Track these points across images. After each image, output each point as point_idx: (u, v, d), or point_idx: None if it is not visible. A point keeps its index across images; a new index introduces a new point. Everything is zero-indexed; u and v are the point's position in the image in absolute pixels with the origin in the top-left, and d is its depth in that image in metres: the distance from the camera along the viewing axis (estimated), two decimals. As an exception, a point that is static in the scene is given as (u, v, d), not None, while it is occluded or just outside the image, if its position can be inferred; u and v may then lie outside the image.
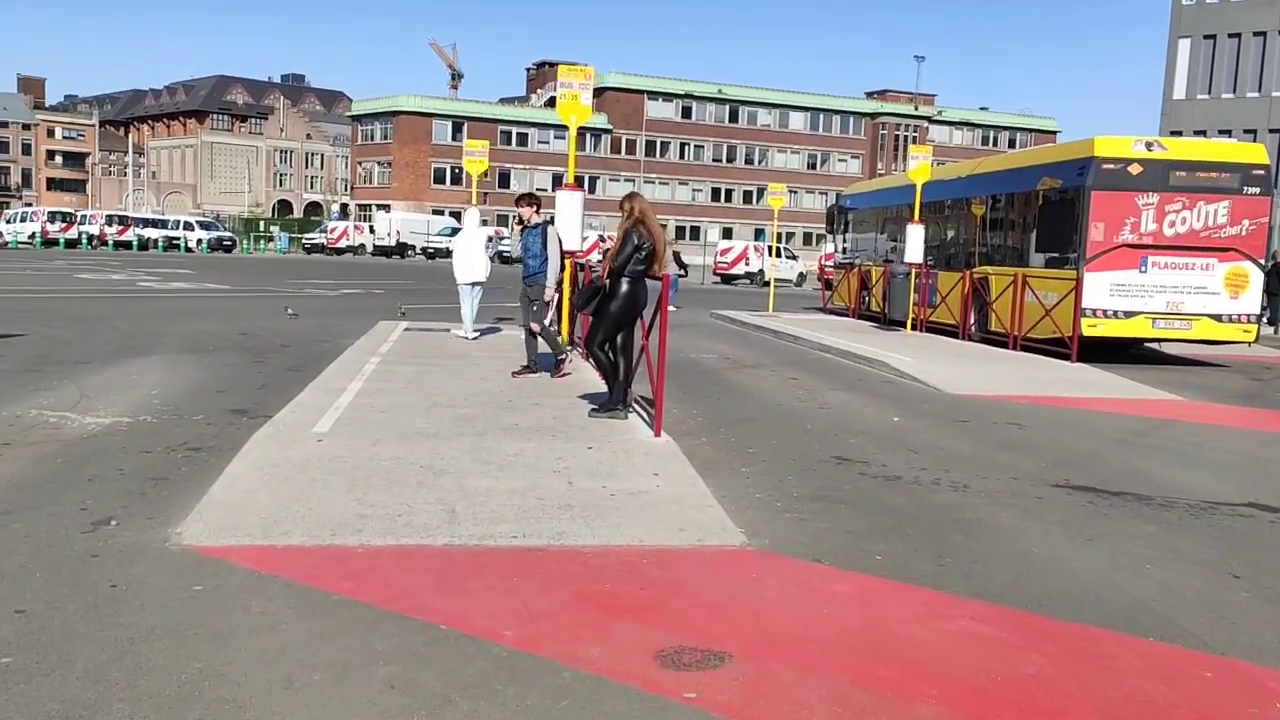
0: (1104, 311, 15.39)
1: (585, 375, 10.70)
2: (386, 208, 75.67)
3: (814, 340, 16.80)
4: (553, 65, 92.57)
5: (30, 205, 75.92)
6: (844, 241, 26.46)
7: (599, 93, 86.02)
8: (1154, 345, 17.56)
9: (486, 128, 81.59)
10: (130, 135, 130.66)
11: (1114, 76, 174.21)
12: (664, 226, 8.34)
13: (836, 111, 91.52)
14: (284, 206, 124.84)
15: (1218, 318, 15.69)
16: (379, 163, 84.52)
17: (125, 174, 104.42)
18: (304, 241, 62.18)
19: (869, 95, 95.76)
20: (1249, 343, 16.07)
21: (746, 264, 45.22)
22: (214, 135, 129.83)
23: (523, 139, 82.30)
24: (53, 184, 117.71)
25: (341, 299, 23.82)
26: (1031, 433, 9.34)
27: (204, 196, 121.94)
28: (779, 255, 45.97)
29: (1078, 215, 15.65)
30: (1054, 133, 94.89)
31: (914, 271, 18.76)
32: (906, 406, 10.70)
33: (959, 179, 20.11)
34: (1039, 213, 17.01)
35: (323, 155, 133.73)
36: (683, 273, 28.79)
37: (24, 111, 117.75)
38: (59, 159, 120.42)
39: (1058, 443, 8.86)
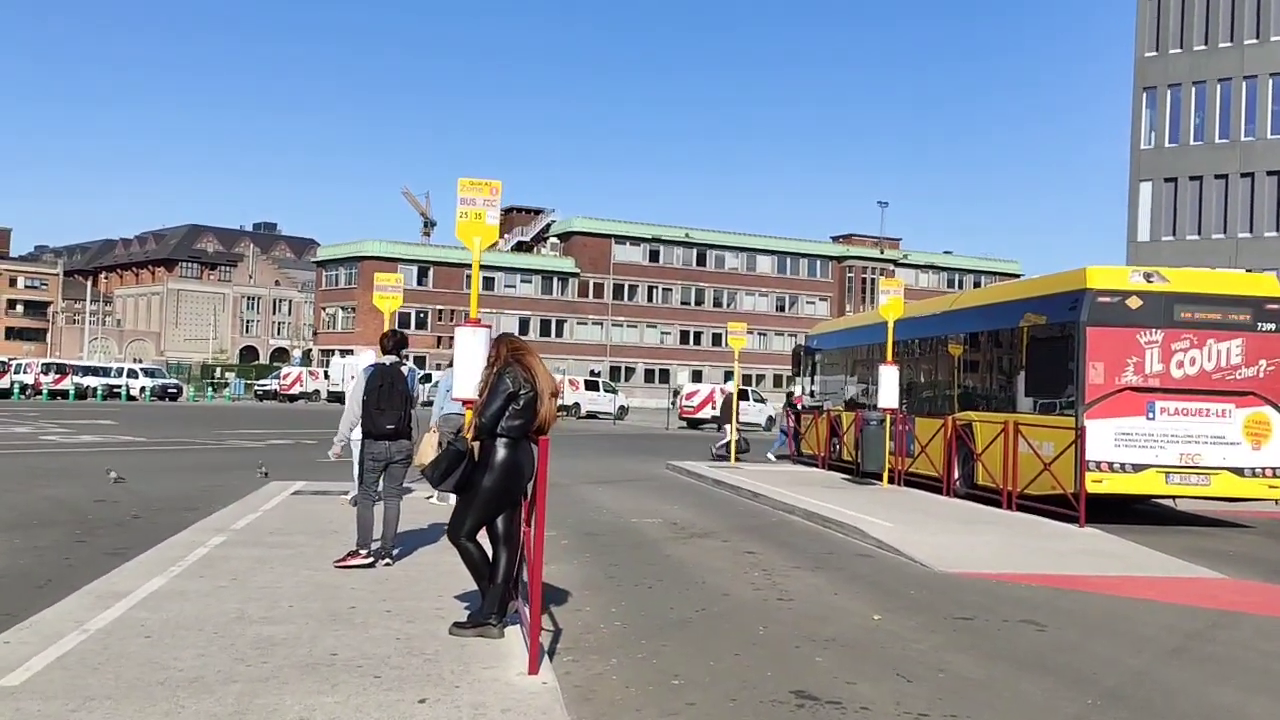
0: (1109, 465, 13.33)
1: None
2: (350, 353, 73.89)
3: (777, 498, 14.58)
4: (520, 210, 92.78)
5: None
6: (811, 384, 24.55)
7: (565, 237, 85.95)
8: (1161, 500, 15.43)
9: (453, 273, 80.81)
10: (99, 284, 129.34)
11: (1077, 220, 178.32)
12: (560, 374, 6.27)
13: (803, 255, 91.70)
14: (250, 353, 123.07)
15: (1239, 471, 13.65)
16: (343, 308, 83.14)
17: (89, 322, 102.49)
18: (256, 389, 59.84)
19: (835, 239, 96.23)
20: (1277, 500, 13.99)
21: (713, 407, 43.20)
22: (181, 283, 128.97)
23: (489, 283, 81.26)
24: (11, 333, 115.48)
25: (256, 453, 21.45)
26: (1057, 637, 7.08)
27: (167, 344, 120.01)
28: (745, 398, 44.15)
29: (1072, 354, 13.76)
30: (1017, 275, 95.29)
31: (889, 418, 16.74)
32: (889, 594, 8.44)
33: (934, 315, 18.32)
34: (1027, 351, 15.13)
35: (291, 301, 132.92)
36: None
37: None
38: (20, 308, 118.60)
39: (1096, 656, 6.61)
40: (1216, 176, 48.24)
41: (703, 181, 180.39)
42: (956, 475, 15.87)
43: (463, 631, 5.79)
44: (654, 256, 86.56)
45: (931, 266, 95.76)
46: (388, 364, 8.82)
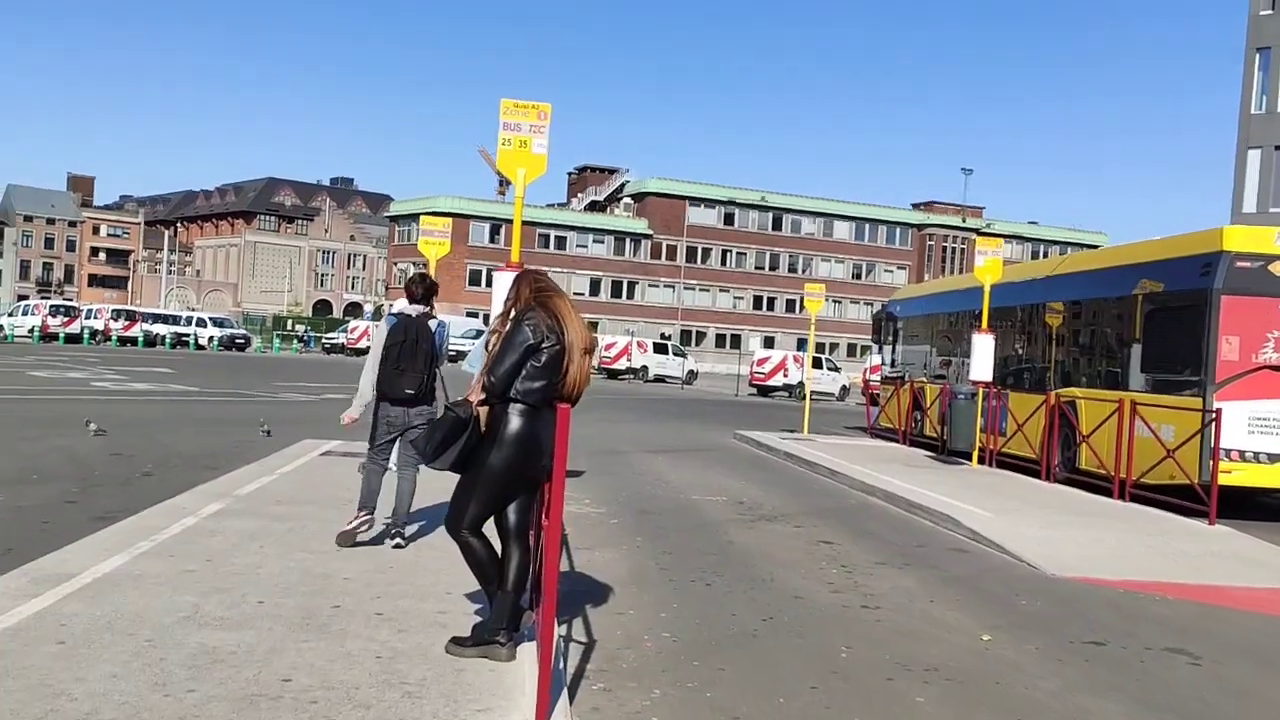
0: (1240, 454, 11.62)
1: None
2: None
3: (856, 477, 13.12)
4: (594, 170, 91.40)
5: (70, 300, 74.59)
6: (893, 353, 22.87)
7: (640, 198, 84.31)
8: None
9: (525, 231, 78.80)
10: (179, 234, 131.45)
11: (1176, 191, 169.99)
12: (593, 326, 4.94)
13: (882, 221, 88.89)
14: (324, 306, 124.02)
15: (1393, 465, 11.83)
16: (414, 263, 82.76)
17: (168, 272, 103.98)
18: (324, 341, 59.63)
19: (915, 206, 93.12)
20: None
21: (785, 375, 41.68)
22: (258, 235, 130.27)
23: (560, 242, 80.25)
24: (94, 280, 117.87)
25: (307, 406, 20.58)
26: (1220, 675, 5.61)
27: (244, 295, 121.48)
28: (819, 366, 42.43)
29: (1202, 326, 12.02)
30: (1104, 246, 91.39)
31: (981, 392, 15.12)
32: (997, 605, 7.01)
33: (1036, 280, 16.56)
34: (1145, 322, 13.38)
35: (365, 256, 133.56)
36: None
37: (71, 209, 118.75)
38: (102, 256, 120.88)
39: (1274, 703, 5.13)
40: (1331, 146, 44.93)
41: (780, 144, 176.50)
42: (1057, 458, 14.23)
43: (462, 650, 4.51)
44: (729, 220, 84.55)
45: (1016, 236, 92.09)
46: (414, 315, 7.48)
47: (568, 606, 5.66)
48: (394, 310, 7.80)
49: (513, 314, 4.58)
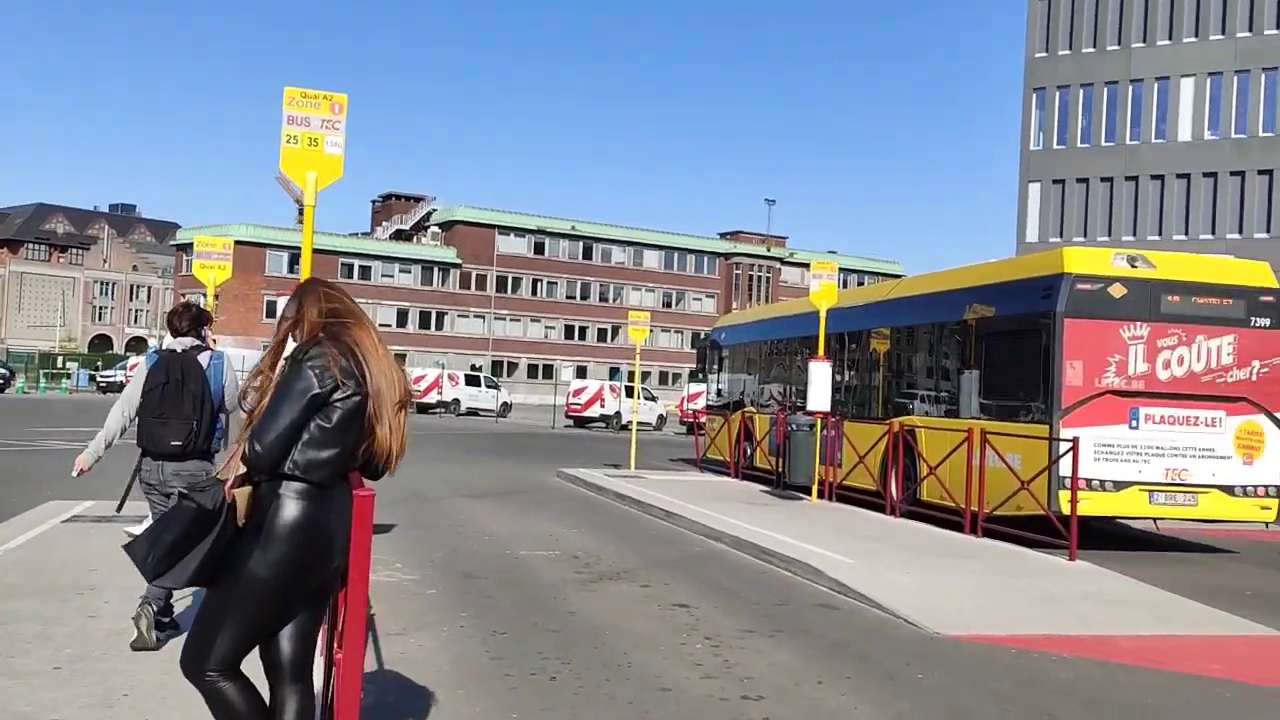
0: (1087, 482, 11.22)
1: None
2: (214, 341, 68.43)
3: (697, 519, 12.06)
4: (399, 198, 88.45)
5: None
6: (718, 382, 22.18)
7: (448, 226, 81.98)
8: (1125, 521, 13.49)
9: (326, 260, 75.76)
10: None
11: (965, 222, 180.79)
12: (401, 359, 3.64)
13: (691, 250, 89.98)
14: (103, 341, 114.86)
15: (1230, 490, 11.75)
16: (205, 295, 77.49)
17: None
18: (100, 379, 54.49)
19: (722, 235, 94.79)
20: (1267, 522, 12.15)
21: (602, 405, 40.72)
22: (25, 265, 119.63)
23: (365, 272, 76.95)
24: None
25: (67, 455, 17.87)
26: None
27: (8, 330, 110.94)
28: (633, 395, 41.68)
29: (1045, 350, 11.64)
30: (899, 275, 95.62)
31: (819, 422, 14.41)
32: (894, 680, 5.98)
33: (869, 305, 16.10)
34: (986, 347, 12.99)
35: (150, 288, 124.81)
36: None
37: None
38: None
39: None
40: (1102, 179, 48.17)
41: (589, 174, 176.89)
42: (901, 491, 13.63)
43: None
44: (539, 249, 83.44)
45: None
46: (178, 351, 6.01)
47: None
48: (154, 348, 6.39)
49: (291, 348, 3.16)
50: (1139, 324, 11.58)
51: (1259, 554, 12.46)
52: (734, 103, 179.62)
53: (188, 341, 6.09)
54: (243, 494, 2.98)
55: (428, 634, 6.56)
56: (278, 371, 3.08)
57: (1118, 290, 11.57)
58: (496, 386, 49.19)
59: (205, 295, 11.43)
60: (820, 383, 14.28)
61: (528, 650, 6.27)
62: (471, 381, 48.52)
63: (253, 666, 3.25)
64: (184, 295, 79.67)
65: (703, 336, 24.04)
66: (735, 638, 6.86)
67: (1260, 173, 43.65)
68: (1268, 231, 42.64)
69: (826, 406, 14.39)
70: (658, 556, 10.08)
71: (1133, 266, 11.72)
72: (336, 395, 3.05)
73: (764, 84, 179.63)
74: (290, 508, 2.98)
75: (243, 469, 2.99)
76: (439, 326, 79.54)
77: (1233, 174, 44.27)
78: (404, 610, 7.16)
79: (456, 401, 45.82)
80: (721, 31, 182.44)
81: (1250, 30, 43.89)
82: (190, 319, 6.20)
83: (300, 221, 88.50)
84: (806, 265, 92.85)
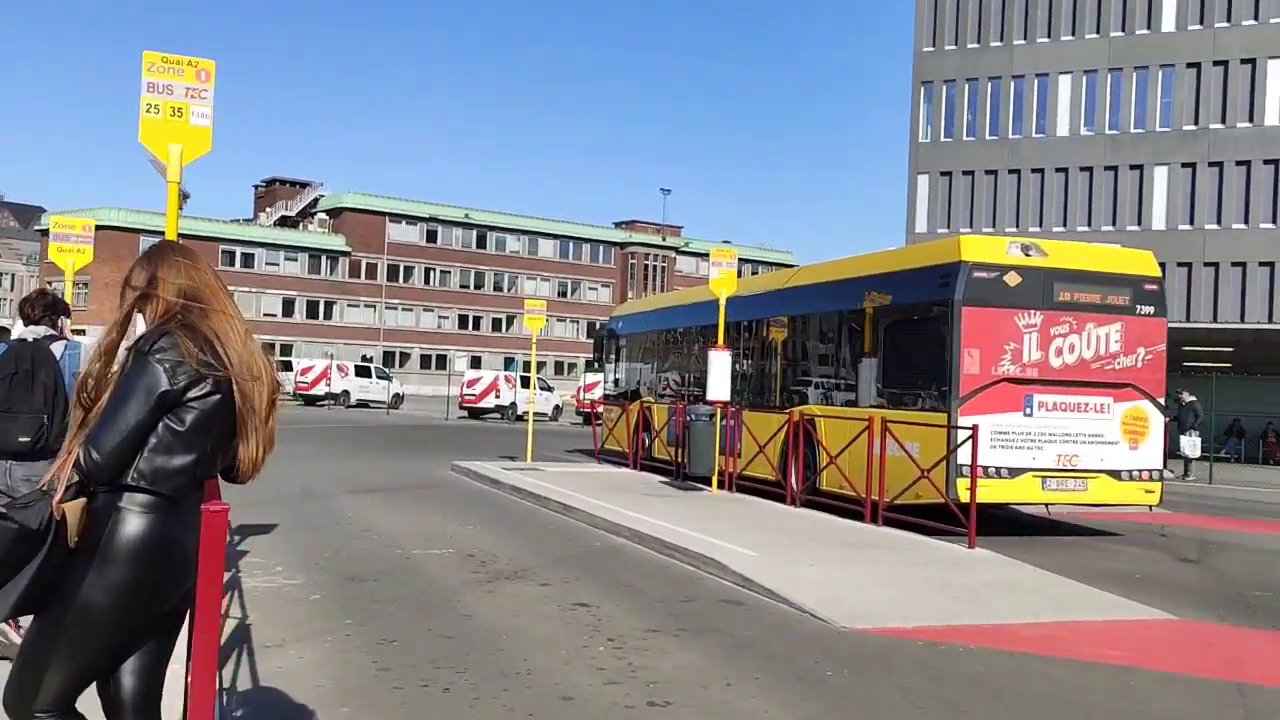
0: (984, 469, 11.28)
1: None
2: (81, 332, 65.24)
3: (597, 513, 11.76)
4: (284, 183, 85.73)
5: None
6: (615, 372, 21.90)
7: (335, 213, 79.76)
8: (1017, 507, 13.69)
9: (207, 247, 72.72)
10: None
11: (858, 213, 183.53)
12: (270, 348, 3.17)
13: (586, 240, 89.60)
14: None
15: (1116, 474, 12.00)
16: (74, 283, 73.70)
17: None
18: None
19: (618, 225, 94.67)
20: (1150, 505, 12.44)
21: (497, 396, 40.11)
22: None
23: (248, 260, 74.23)
24: None
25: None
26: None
27: None
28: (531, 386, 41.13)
29: (943, 339, 11.68)
30: (791, 264, 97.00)
31: (719, 412, 14.25)
32: (804, 679, 5.78)
33: (768, 293, 16.01)
34: (885, 336, 13.00)
35: (14, 275, 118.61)
36: None
37: None
38: None
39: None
40: (987, 172, 49.45)
41: (484, 161, 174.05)
42: (802, 481, 13.56)
43: None
44: (431, 237, 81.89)
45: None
46: (29, 340, 5.53)
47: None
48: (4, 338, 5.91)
49: (137, 336, 2.72)
50: (1033, 312, 11.70)
51: (1142, 537, 12.77)
52: (629, 92, 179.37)
53: (40, 330, 5.66)
54: (74, 509, 2.54)
55: (309, 645, 6.10)
56: (118, 364, 2.64)
57: (1013, 278, 11.67)
58: (388, 377, 48.02)
59: (65, 282, 10.59)
60: (720, 372, 14.12)
61: (419, 659, 5.88)
62: (362, 372, 47.28)
63: (90, 703, 2.81)
64: (50, 283, 75.86)
65: (599, 326, 23.71)
66: (639, 638, 6.57)
67: (1132, 167, 45.43)
68: (1139, 224, 44.44)
69: (726, 396, 14.24)
70: (557, 553, 9.74)
71: (1027, 255, 11.84)
72: (192, 393, 2.63)
73: (660, 73, 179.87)
74: (133, 524, 2.55)
75: (76, 479, 2.55)
76: (327, 316, 77.43)
77: (1107, 168, 45.97)
78: (283, 619, 6.67)
79: (346, 393, 44.59)
80: (618, 20, 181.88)
81: (1123, 30, 45.58)
82: (45, 306, 5.79)
83: (179, 206, 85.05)
84: (701, 255, 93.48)
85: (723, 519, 11.58)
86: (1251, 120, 42.75)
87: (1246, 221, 42.66)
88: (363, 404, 45.10)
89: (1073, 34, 46.90)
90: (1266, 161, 42.28)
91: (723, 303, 14.44)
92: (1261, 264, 42.38)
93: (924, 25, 51.07)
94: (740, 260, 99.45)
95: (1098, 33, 46.23)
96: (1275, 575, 10.36)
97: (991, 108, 49.58)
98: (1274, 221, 42.22)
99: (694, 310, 17.54)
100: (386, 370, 53.40)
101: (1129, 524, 13.68)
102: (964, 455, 11.05)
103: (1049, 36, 47.53)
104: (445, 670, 5.69)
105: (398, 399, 46.19)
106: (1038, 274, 11.77)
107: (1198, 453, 23.65)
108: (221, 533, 2.20)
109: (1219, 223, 43.25)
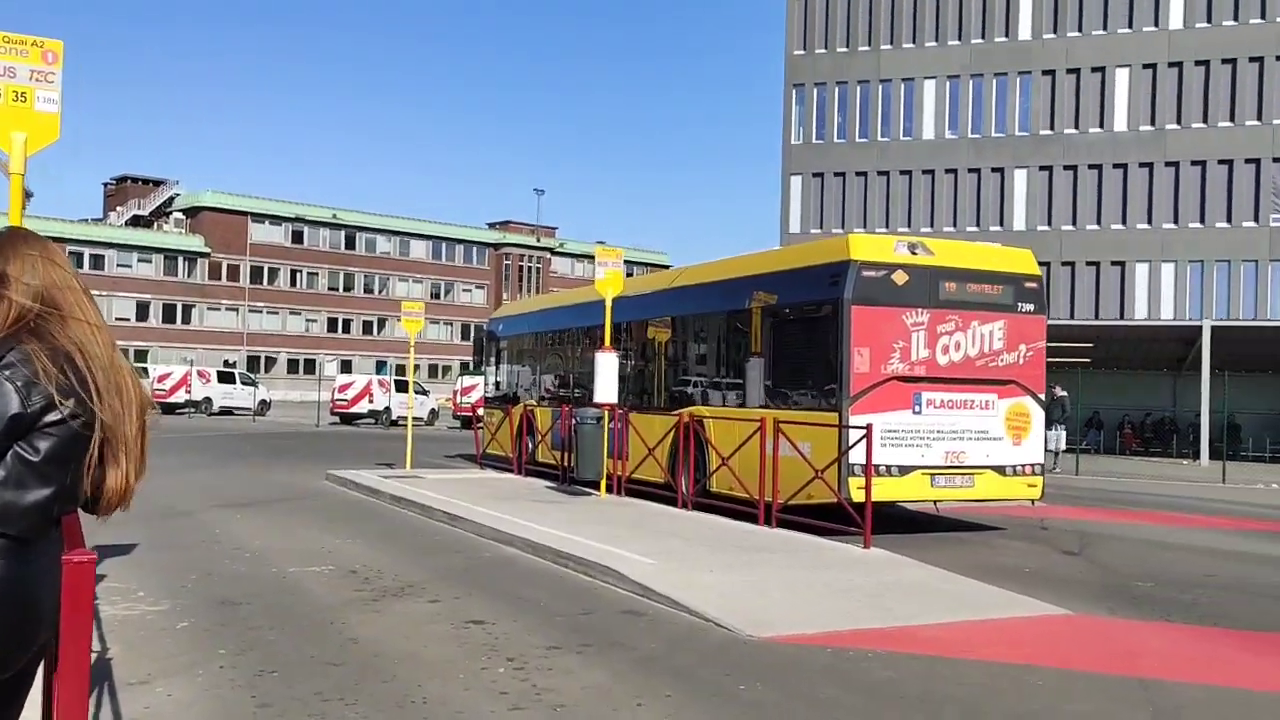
0: (875, 468, 11.28)
1: None
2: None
3: (485, 522, 11.31)
4: (136, 181, 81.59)
5: None
6: (496, 375, 21.40)
7: (193, 213, 76.43)
8: (904, 504, 13.82)
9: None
10: None
11: (731, 213, 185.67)
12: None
13: (459, 241, 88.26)
14: None
15: (1001, 470, 12.21)
16: (-96, 286, 68.58)
17: None
18: None
19: (491, 225, 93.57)
20: (1033, 499, 12.70)
21: (370, 400, 38.96)
22: None
23: (98, 261, 70.40)
24: None
25: None
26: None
27: None
28: (406, 390, 40.08)
29: (832, 338, 11.65)
30: (666, 266, 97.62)
31: (607, 415, 13.96)
32: (716, 696, 5.52)
33: (655, 294, 15.80)
34: (773, 335, 12.93)
35: None
36: None
37: None
38: None
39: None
40: (857, 173, 50.59)
41: (351, 159, 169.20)
42: (693, 484, 13.38)
43: None
44: (297, 238, 79.29)
45: (587, 256, 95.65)
46: None
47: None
48: None
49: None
50: (920, 310, 11.78)
51: (1024, 530, 13.04)
52: (500, 89, 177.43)
53: None
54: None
55: (179, 680, 5.54)
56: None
57: (900, 277, 11.73)
58: (253, 383, 46.15)
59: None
60: (607, 374, 13.83)
61: (303, 691, 5.39)
62: (225, 378, 45.31)
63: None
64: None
65: (481, 327, 23.15)
66: (541, 657, 6.21)
67: (993, 170, 47.18)
68: (1001, 225, 46.16)
69: (613, 398, 13.96)
70: (445, 567, 9.28)
71: (913, 254, 11.92)
72: (49, 417, 2.16)
73: (531, 71, 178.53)
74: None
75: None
76: (186, 320, 74.15)
77: (970, 171, 47.62)
78: (148, 651, 6.07)
79: (208, 400, 42.67)
80: (491, 16, 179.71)
81: (983, 37, 47.29)
82: None
83: (22, 206, 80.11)
84: (577, 256, 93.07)
85: (615, 524, 11.29)
86: (1102, 126, 44.90)
87: (1099, 222, 44.80)
88: (226, 411, 43.24)
89: (936, 40, 48.39)
90: (1116, 165, 44.49)
91: (609, 303, 14.15)
92: (1113, 263, 44.56)
93: (795, 28, 51.91)
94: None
95: (959, 39, 47.81)
96: (1154, 565, 10.66)
97: (861, 111, 50.75)
98: (1124, 223, 44.44)
99: (578, 311, 17.21)
100: (251, 376, 51.37)
101: (1010, 518, 13.97)
102: (856, 455, 11.04)
103: (914, 42, 48.93)
104: (333, 702, 5.22)
105: (264, 405, 44.47)
106: (924, 272, 11.86)
107: (1063, 446, 24.55)
108: (89, 586, 1.79)
109: (1074, 224, 45.30)
